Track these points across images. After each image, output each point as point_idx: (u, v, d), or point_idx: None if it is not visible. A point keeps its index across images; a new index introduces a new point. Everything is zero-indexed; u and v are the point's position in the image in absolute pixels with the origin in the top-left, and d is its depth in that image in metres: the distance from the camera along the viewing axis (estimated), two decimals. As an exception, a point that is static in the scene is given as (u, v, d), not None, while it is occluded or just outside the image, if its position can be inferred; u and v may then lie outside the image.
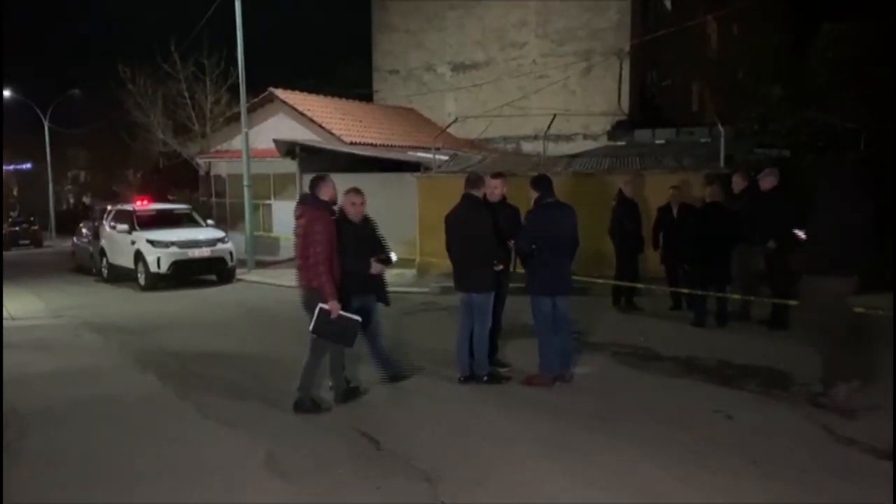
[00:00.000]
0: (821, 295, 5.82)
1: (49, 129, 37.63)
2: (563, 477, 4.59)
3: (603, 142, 21.59)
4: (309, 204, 5.94)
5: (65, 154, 42.74)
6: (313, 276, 5.78)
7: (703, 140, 17.74)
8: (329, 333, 5.87)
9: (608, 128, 22.14)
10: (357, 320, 5.94)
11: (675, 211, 9.83)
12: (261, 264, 17.29)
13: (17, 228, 35.02)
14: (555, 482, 4.52)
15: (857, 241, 5.63)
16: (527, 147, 23.14)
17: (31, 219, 37.98)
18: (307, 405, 5.97)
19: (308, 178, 19.91)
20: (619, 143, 20.36)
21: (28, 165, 43.43)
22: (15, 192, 53.88)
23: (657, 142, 19.22)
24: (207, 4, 18.15)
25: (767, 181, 8.54)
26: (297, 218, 5.96)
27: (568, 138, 22.18)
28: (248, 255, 17.00)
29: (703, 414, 5.70)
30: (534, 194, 6.49)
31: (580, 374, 6.75)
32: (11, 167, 46.98)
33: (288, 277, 15.22)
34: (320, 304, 5.75)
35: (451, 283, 6.71)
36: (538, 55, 23.90)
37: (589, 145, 21.34)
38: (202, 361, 8.15)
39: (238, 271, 15.90)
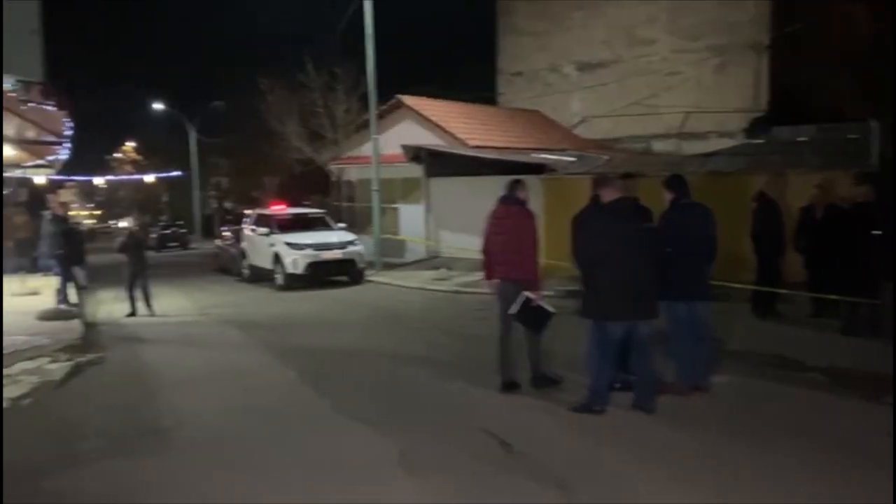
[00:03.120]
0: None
1: (195, 139, 40.40)
2: (700, 490, 4.38)
3: (739, 140, 20.55)
4: (513, 204, 6.42)
5: (208, 162, 45.70)
6: (528, 269, 6.34)
7: (850, 136, 16.52)
8: (527, 319, 6.42)
9: (745, 125, 21.07)
10: (551, 311, 6.42)
11: (818, 212, 9.19)
12: (388, 266, 17.74)
13: (166, 232, 37.72)
14: (689, 495, 4.33)
15: None
16: (657, 146, 22.41)
17: (179, 223, 40.80)
18: (543, 381, 6.50)
19: (434, 181, 20.28)
20: (757, 141, 19.30)
21: (177, 173, 46.75)
22: (164, 198, 58.23)
23: (799, 139, 18.07)
24: (340, 16, 18.88)
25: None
26: (501, 218, 6.40)
27: (701, 137, 21.26)
28: (377, 257, 17.49)
29: (852, 430, 5.29)
30: (668, 195, 6.26)
31: (718, 384, 6.43)
32: (162, 175, 50.78)
33: (414, 279, 15.70)
34: (525, 293, 6.30)
35: (577, 288, 6.60)
36: (668, 51, 23.11)
37: (724, 144, 20.33)
38: (336, 359, 8.47)
39: (367, 273, 16.40)
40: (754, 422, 5.56)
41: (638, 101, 22.59)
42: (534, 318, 6.40)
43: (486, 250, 6.63)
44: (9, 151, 14.43)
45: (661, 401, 5.87)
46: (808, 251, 9.41)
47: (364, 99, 20.50)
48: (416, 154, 19.17)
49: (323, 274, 15.57)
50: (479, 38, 30.58)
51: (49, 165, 16.89)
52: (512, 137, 21.09)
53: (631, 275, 5.57)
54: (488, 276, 6.71)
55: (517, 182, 6.56)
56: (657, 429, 5.48)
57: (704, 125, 21.30)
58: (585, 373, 6.29)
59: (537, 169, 15.82)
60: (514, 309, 6.37)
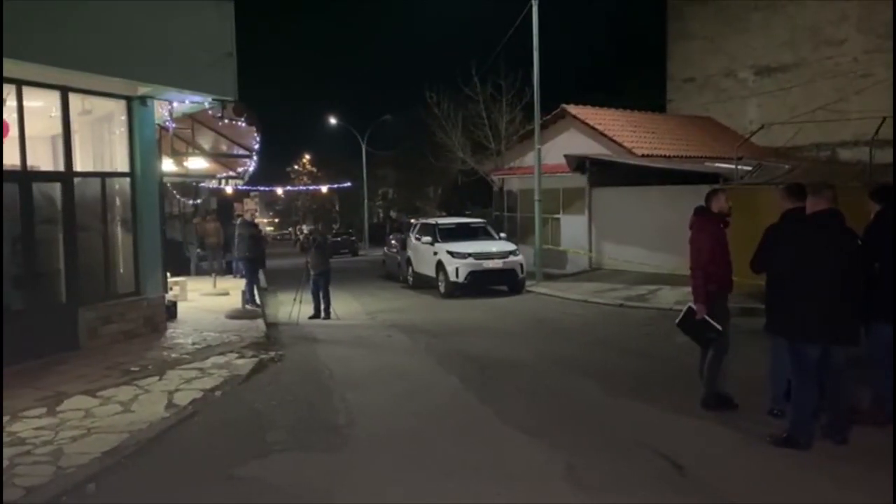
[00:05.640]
0: None
1: (365, 151, 42.46)
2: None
3: (945, 147, 18.42)
4: (700, 215, 6.41)
5: (376, 173, 47.87)
6: (694, 280, 6.18)
7: None
8: (690, 331, 6.32)
9: (953, 131, 18.83)
10: (718, 329, 6.09)
11: None
12: (549, 277, 17.61)
13: (338, 239, 39.83)
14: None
15: None
16: (844, 155, 20.65)
17: (350, 231, 43.02)
18: (712, 402, 6.22)
19: (597, 191, 19.87)
20: (967, 148, 17.20)
21: (348, 184, 49.40)
22: (337, 208, 61.70)
23: None
24: (506, 29, 19.10)
25: None
26: (690, 227, 6.41)
27: (898, 144, 19.32)
28: (537, 268, 17.42)
29: None
30: (874, 206, 5.72)
31: (924, 417, 5.76)
32: (335, 185, 53.91)
33: (576, 290, 15.46)
34: (690, 304, 6.24)
35: (753, 305, 6.20)
36: (860, 52, 21.29)
37: (927, 151, 18.36)
38: (499, 368, 8.50)
39: (527, 283, 16.38)
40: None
41: (823, 105, 20.94)
42: (695, 331, 6.24)
43: None
44: (204, 163, 15.91)
45: (854, 431, 5.36)
46: None
47: (527, 109, 20.60)
48: (579, 164, 18.94)
49: (484, 283, 15.74)
50: (647, 44, 29.72)
51: (239, 176, 18.43)
52: (682, 146, 20.30)
53: (833, 293, 5.07)
54: None
55: (711, 192, 6.53)
56: (847, 461, 5.00)
57: (902, 131, 19.31)
58: (772, 399, 5.96)
59: (710, 178, 15.07)
60: (679, 318, 6.38)
